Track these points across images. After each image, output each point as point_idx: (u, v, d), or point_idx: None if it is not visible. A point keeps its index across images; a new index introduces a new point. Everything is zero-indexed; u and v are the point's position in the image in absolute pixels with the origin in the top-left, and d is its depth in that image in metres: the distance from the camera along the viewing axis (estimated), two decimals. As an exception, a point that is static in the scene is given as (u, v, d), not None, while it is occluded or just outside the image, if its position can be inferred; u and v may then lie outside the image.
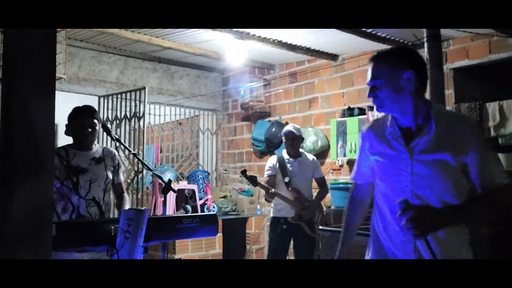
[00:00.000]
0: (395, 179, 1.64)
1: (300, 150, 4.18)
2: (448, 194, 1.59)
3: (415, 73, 1.62)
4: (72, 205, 2.73)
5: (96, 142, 2.96)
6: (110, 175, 2.91)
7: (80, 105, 2.92)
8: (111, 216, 3.05)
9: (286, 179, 4.00)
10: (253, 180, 3.98)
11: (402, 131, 1.66)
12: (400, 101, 1.62)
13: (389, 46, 4.52)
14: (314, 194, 4.14)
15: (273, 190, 3.90)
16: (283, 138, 4.14)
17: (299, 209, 3.92)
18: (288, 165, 4.06)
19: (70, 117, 2.85)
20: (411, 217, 1.40)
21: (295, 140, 4.07)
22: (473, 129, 1.61)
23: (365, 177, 1.87)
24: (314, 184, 4.18)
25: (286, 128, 4.12)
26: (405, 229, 1.44)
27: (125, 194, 3.04)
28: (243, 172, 4.05)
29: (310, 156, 4.21)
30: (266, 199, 4.20)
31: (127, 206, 2.92)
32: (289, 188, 3.97)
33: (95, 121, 2.84)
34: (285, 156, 4.11)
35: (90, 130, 2.80)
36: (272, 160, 4.13)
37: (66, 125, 2.86)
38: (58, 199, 2.72)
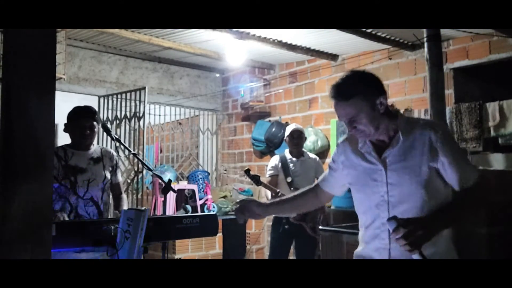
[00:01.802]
0: (373, 189, 1.70)
1: (303, 149, 4.18)
2: (423, 198, 1.63)
3: (384, 95, 1.69)
4: (70, 205, 2.73)
5: (94, 142, 2.96)
6: (108, 175, 2.90)
7: (80, 105, 2.91)
8: (109, 216, 3.05)
9: (289, 179, 4.00)
10: (256, 180, 3.96)
11: (373, 145, 1.73)
12: (378, 124, 1.68)
13: (389, 46, 4.53)
14: None
15: (280, 193, 3.84)
16: (287, 137, 4.11)
17: None
18: (291, 165, 4.05)
19: (70, 116, 2.84)
20: (404, 235, 1.42)
21: (300, 139, 4.07)
22: (439, 133, 1.65)
23: (330, 187, 1.95)
24: None
25: (293, 127, 4.09)
26: (400, 246, 1.45)
27: (123, 195, 3.04)
28: (247, 171, 4.02)
29: (313, 156, 4.21)
30: None
31: (124, 207, 2.91)
32: (291, 188, 3.97)
33: (95, 123, 2.83)
34: (288, 155, 4.11)
35: (89, 132, 2.80)
36: (274, 160, 4.13)
37: (65, 124, 2.85)
38: (56, 199, 2.72)
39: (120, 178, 3.06)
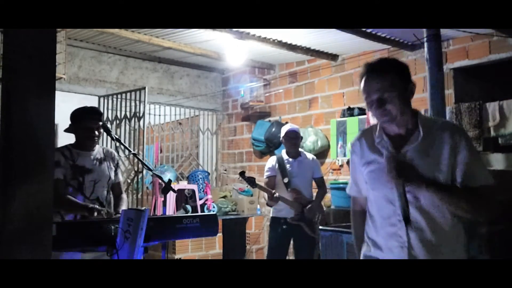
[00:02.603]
0: (388, 186, 1.67)
1: (300, 149, 4.17)
2: None
3: (414, 85, 1.71)
4: None
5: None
6: (112, 175, 2.93)
7: (81, 105, 2.91)
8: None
9: (285, 180, 3.99)
10: (251, 182, 3.95)
11: (390, 139, 1.72)
12: (404, 111, 1.67)
13: (389, 46, 4.53)
14: (314, 193, 4.13)
15: (277, 194, 3.85)
16: (282, 138, 4.09)
17: (299, 210, 3.91)
18: (288, 166, 4.04)
19: (75, 117, 2.83)
20: (395, 165, 1.55)
21: (297, 139, 4.06)
22: (459, 133, 1.67)
23: (360, 191, 1.90)
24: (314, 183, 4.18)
25: (288, 128, 4.08)
26: (390, 177, 1.58)
27: (123, 195, 3.05)
28: (242, 174, 4.02)
29: (310, 156, 4.20)
30: (268, 204, 4.12)
31: (123, 207, 2.92)
32: (288, 189, 3.96)
33: (101, 123, 2.85)
34: (285, 156, 4.10)
35: (96, 133, 2.81)
36: (271, 161, 4.12)
37: (70, 125, 2.86)
38: None
39: (120, 177, 3.08)
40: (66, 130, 2.88)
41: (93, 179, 2.81)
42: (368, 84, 1.67)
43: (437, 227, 1.63)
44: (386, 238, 1.69)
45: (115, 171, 2.99)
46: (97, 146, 2.93)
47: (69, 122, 2.87)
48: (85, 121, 2.80)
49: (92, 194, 2.79)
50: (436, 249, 1.62)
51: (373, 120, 1.84)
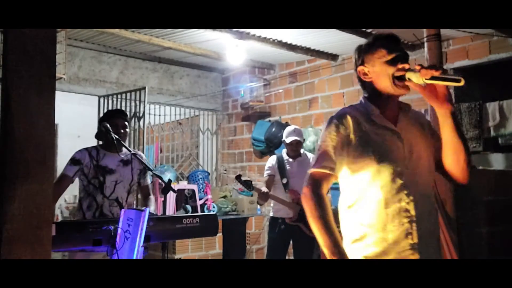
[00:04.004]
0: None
1: (301, 150, 4.16)
2: (432, 172, 1.73)
3: None
4: (96, 203, 2.84)
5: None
6: (136, 178, 3.01)
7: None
8: None
9: (284, 180, 3.99)
10: (248, 185, 3.93)
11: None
12: None
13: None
14: None
15: (264, 190, 3.81)
16: (285, 142, 4.05)
17: (296, 210, 3.90)
18: (288, 166, 4.04)
19: (103, 118, 2.97)
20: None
21: (299, 146, 4.06)
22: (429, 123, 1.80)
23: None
24: None
25: (290, 136, 4.01)
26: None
27: (152, 196, 3.14)
28: (238, 177, 4.00)
29: (310, 155, 4.19)
30: (258, 202, 4.13)
31: (152, 207, 3.00)
32: (286, 190, 3.96)
33: (126, 123, 2.99)
34: (285, 156, 4.10)
35: (122, 131, 2.93)
36: (271, 160, 4.12)
37: (98, 128, 2.98)
38: (84, 197, 2.87)
39: (149, 180, 3.16)
40: (97, 136, 3.05)
41: (114, 179, 2.90)
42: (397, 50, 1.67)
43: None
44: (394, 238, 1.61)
45: (143, 174, 3.08)
46: (126, 149, 2.98)
47: (98, 128, 3.04)
48: (111, 119, 2.92)
49: (112, 194, 2.87)
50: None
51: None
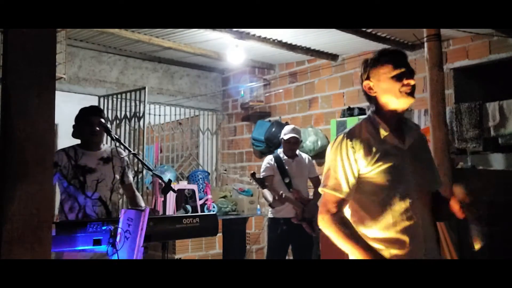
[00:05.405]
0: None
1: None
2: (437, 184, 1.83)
3: None
4: (79, 204, 2.76)
5: (104, 142, 2.98)
6: (117, 176, 2.93)
7: (81, 105, 2.94)
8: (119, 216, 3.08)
9: (287, 180, 3.98)
10: (262, 183, 3.88)
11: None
12: None
13: (389, 46, 4.52)
14: (310, 193, 4.13)
15: (284, 194, 3.77)
16: (283, 140, 4.06)
17: (301, 209, 3.90)
18: (286, 166, 4.04)
19: (77, 116, 2.88)
20: None
21: (297, 144, 4.06)
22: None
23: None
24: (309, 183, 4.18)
25: (289, 133, 4.03)
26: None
27: (137, 193, 3.07)
28: (253, 175, 3.90)
29: (305, 155, 4.20)
30: (271, 205, 4.02)
31: (142, 203, 2.96)
32: (291, 189, 3.95)
33: (102, 120, 2.87)
34: (282, 156, 4.08)
35: (98, 128, 2.83)
36: (269, 160, 4.07)
37: (74, 126, 2.89)
38: (66, 199, 2.77)
39: (131, 178, 3.08)
40: (73, 135, 2.92)
41: (95, 178, 2.81)
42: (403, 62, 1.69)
43: None
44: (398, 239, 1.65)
45: (124, 172, 2.99)
46: (105, 145, 2.94)
47: (73, 126, 2.90)
48: (86, 117, 2.83)
49: (94, 193, 2.79)
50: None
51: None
